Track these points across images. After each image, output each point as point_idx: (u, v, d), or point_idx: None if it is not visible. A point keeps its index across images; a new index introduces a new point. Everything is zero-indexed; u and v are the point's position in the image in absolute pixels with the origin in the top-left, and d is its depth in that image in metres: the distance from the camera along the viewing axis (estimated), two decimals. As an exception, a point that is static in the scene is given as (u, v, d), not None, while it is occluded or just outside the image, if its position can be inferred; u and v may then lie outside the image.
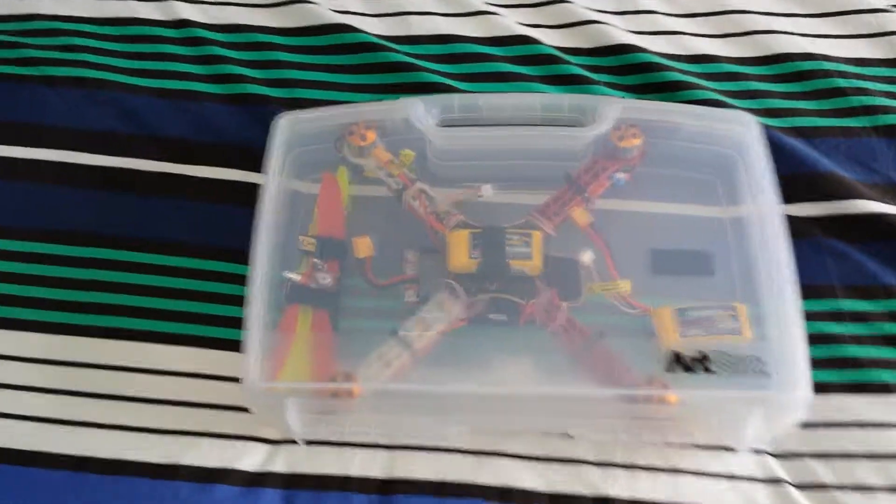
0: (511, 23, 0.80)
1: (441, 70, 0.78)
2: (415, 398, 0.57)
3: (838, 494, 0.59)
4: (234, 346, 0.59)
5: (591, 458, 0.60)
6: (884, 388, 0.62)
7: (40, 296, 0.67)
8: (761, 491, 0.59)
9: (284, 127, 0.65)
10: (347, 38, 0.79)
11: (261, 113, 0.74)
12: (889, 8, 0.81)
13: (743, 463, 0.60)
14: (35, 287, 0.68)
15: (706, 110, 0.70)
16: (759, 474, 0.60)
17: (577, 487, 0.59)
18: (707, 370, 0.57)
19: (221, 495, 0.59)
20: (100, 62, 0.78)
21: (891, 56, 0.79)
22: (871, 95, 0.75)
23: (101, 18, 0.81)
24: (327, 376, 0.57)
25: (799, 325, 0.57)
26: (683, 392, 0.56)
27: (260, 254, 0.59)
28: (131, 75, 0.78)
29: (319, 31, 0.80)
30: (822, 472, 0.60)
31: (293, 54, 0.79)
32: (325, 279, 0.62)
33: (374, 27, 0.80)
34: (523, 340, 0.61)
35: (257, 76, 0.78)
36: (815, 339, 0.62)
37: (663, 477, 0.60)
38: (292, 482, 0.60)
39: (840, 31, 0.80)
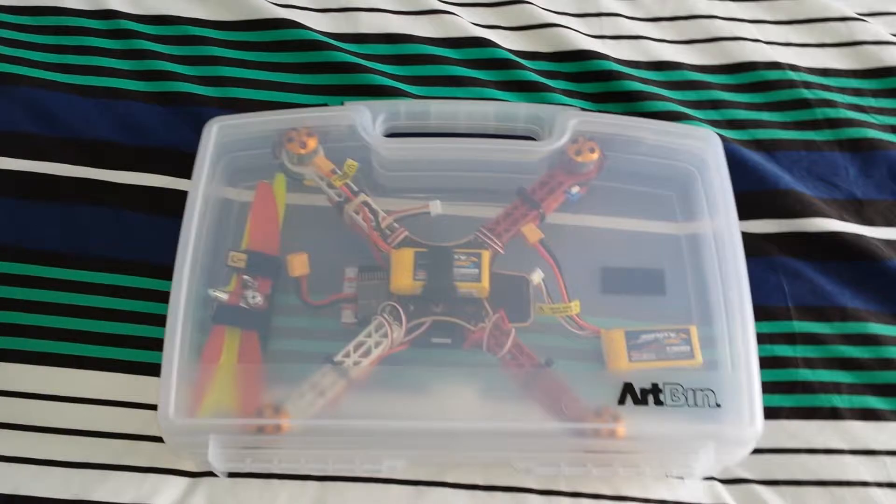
0: (466, 23, 0.77)
1: (389, 72, 0.74)
2: (349, 433, 0.54)
3: (788, 521, 0.58)
4: (152, 369, 0.56)
5: (534, 486, 0.58)
6: (834, 414, 0.62)
7: (-70, 313, 0.62)
8: (710, 518, 0.58)
9: (217, 131, 0.61)
10: (289, 34, 0.75)
11: (192, 114, 0.69)
12: (859, 17, 0.79)
13: (691, 490, 0.59)
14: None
15: (667, 125, 0.67)
16: (707, 501, 0.59)
17: (519, 517, 0.57)
18: (659, 402, 0.55)
19: (137, 533, 0.56)
20: (14, 55, 0.73)
21: (858, 67, 0.77)
22: (836, 108, 0.74)
23: (18, 7, 0.75)
24: (254, 409, 0.54)
25: (752, 352, 0.56)
26: (633, 425, 0.54)
27: (183, 271, 0.56)
28: (49, 70, 0.72)
29: (259, 25, 0.76)
30: (772, 498, 0.59)
31: (229, 50, 0.75)
32: (255, 298, 0.58)
33: (319, 23, 0.76)
34: (467, 366, 0.59)
35: (190, 73, 0.73)
36: (767, 363, 0.62)
37: (609, 505, 0.58)
38: (214, 518, 0.57)
39: (808, 40, 0.79)
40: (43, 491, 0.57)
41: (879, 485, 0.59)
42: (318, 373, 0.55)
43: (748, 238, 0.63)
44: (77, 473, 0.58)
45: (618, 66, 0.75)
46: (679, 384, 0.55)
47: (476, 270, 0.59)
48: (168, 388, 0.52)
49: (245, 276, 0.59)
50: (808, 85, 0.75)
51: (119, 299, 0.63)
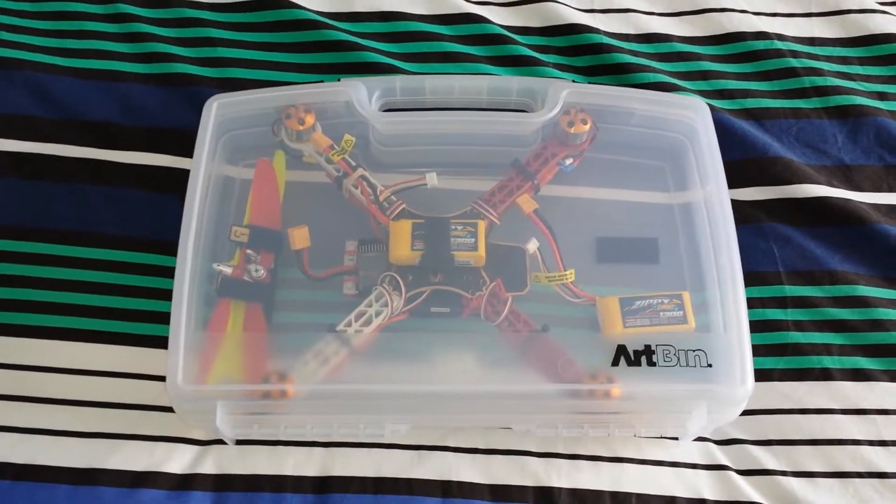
0: (458, 0, 0.78)
1: (384, 49, 0.75)
2: (353, 398, 0.55)
3: (780, 480, 0.60)
4: (161, 342, 0.57)
5: (533, 448, 0.60)
6: (825, 375, 0.63)
7: (-52, 291, 0.64)
8: (704, 478, 0.60)
9: (216, 109, 0.63)
10: (284, 14, 0.76)
11: (191, 94, 0.71)
12: (843, -14, 0.80)
13: (685, 450, 0.61)
14: (-57, 282, 0.64)
15: (657, 95, 0.69)
16: (701, 461, 0.61)
17: (518, 479, 0.59)
18: (651, 363, 0.56)
19: (148, 499, 0.57)
20: (16, 40, 0.74)
21: (844, 35, 0.78)
22: (823, 76, 0.75)
23: (19, -7, 0.77)
24: (260, 376, 0.55)
25: (743, 315, 0.57)
26: (627, 386, 0.55)
27: (188, 245, 0.57)
28: (50, 54, 0.73)
29: (254, 6, 0.76)
30: (765, 458, 0.61)
31: (226, 31, 0.76)
32: (259, 272, 0.60)
33: (314, 3, 0.77)
34: (466, 334, 0.60)
35: (187, 55, 0.74)
36: (759, 326, 0.64)
37: (606, 466, 0.60)
38: (223, 484, 0.58)
39: (794, 10, 0.80)
40: (57, 460, 0.59)
41: (871, 443, 0.61)
42: (321, 342, 0.57)
43: (739, 205, 0.65)
44: (90, 443, 0.59)
45: (608, 38, 0.76)
46: (671, 345, 0.56)
47: (472, 240, 0.60)
48: (176, 356, 0.54)
49: (248, 251, 0.60)
50: (795, 54, 0.76)
51: (126, 275, 0.65)
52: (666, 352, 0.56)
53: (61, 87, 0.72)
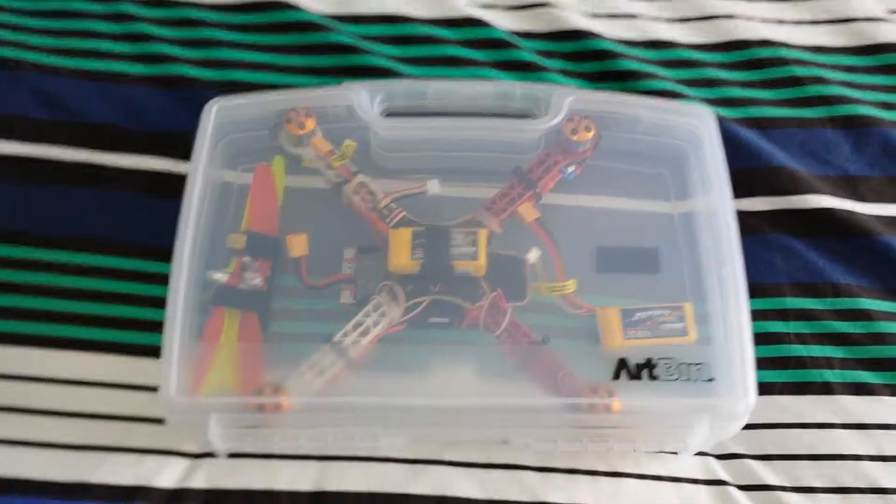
0: (462, 4, 0.77)
1: (386, 53, 0.74)
2: (349, 411, 0.54)
3: (781, 495, 0.59)
4: (151, 351, 0.56)
5: (531, 463, 0.59)
6: (826, 389, 0.63)
7: (-68, 297, 0.62)
8: (703, 493, 0.59)
9: (216, 112, 0.61)
10: (286, 15, 0.75)
11: (191, 96, 0.70)
12: (850, -7, 0.79)
13: (685, 465, 0.60)
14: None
15: (662, 102, 0.67)
16: (701, 476, 0.60)
17: (515, 494, 0.58)
18: (653, 377, 0.56)
19: (138, 515, 0.57)
20: (15, 39, 0.73)
21: (850, 44, 0.78)
22: (828, 85, 0.74)
23: (18, -9, 0.76)
24: (254, 388, 0.54)
25: (746, 327, 0.56)
26: (628, 400, 0.55)
27: (183, 252, 0.56)
28: (51, 54, 0.72)
29: (256, 7, 0.76)
30: (765, 473, 0.60)
31: (227, 32, 0.75)
32: (255, 279, 0.59)
33: (316, 4, 0.76)
34: (465, 345, 0.59)
35: (188, 56, 0.73)
36: (760, 339, 0.62)
37: (604, 481, 0.59)
38: (214, 498, 0.57)
39: (799, 17, 0.79)
40: (42, 474, 0.57)
41: (872, 458, 0.60)
42: (317, 353, 0.56)
43: (742, 215, 0.64)
44: (76, 456, 0.58)
45: (613, 44, 0.75)
46: (672, 358, 0.56)
47: (473, 249, 0.59)
48: (169, 367, 0.53)
49: (244, 258, 0.59)
50: (800, 62, 0.75)
51: (118, 282, 0.64)
52: (667, 365, 0.56)
53: (61, 88, 0.71)
